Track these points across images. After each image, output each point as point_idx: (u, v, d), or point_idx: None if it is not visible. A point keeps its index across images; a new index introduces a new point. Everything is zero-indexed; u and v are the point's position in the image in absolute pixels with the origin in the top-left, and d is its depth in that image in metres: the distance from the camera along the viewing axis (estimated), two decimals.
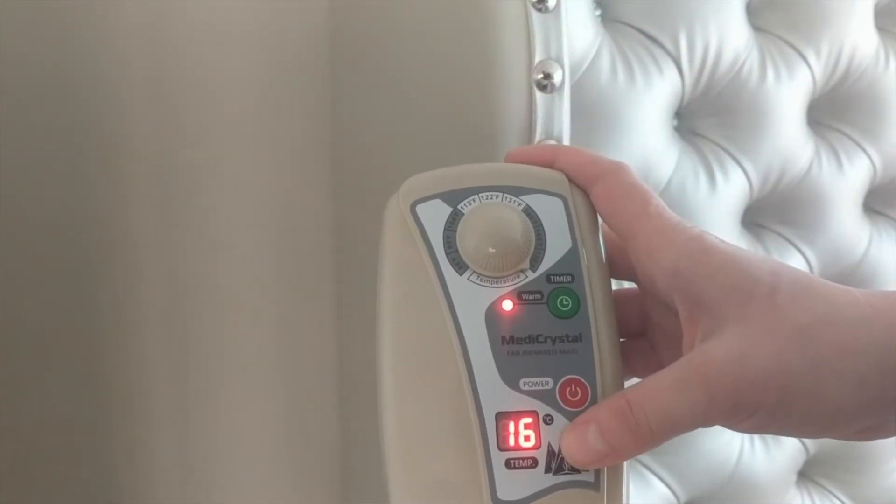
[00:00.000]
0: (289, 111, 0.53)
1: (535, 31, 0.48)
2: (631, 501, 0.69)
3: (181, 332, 0.55)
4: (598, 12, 0.62)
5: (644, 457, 0.71)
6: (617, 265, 0.37)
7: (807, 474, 0.80)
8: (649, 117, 0.62)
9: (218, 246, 0.54)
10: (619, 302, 0.37)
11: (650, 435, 0.31)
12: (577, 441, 0.32)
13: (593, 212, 0.36)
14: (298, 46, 0.53)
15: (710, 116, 0.67)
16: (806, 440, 0.77)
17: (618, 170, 0.36)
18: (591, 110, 0.60)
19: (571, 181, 0.37)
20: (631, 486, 0.70)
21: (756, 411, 0.31)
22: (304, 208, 0.55)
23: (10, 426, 0.53)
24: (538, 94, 0.48)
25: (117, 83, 0.52)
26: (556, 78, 0.48)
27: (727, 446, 0.73)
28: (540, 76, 0.48)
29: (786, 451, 0.76)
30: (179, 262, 0.54)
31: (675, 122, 0.67)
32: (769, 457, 0.75)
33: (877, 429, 0.32)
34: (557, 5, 0.48)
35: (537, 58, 0.48)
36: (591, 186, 0.36)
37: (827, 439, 0.77)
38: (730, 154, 0.67)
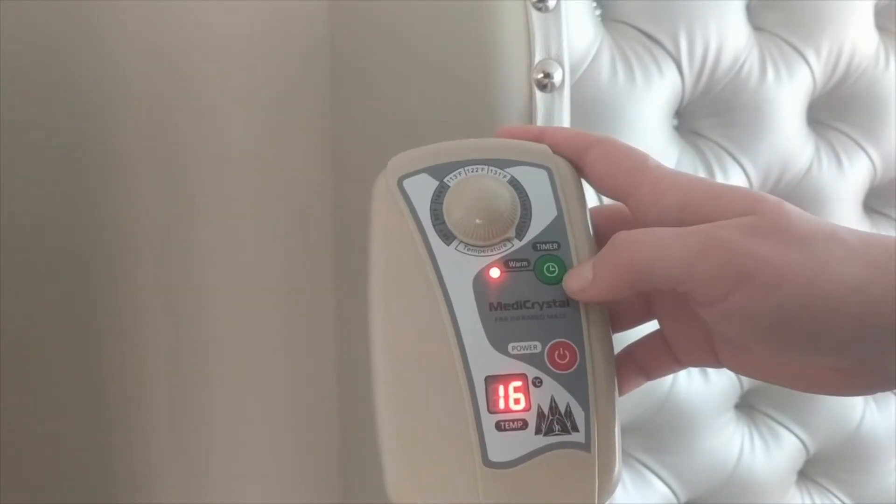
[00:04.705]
0: (289, 112, 0.53)
1: (535, 30, 0.48)
2: (631, 501, 0.69)
3: (180, 333, 0.55)
4: (598, 12, 0.62)
5: (644, 456, 0.71)
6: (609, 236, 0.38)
7: (807, 474, 0.80)
8: (649, 117, 0.62)
9: (217, 247, 0.54)
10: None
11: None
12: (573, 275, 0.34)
13: (578, 181, 0.37)
14: (298, 47, 0.53)
15: (710, 116, 0.67)
16: (807, 440, 0.77)
17: (610, 137, 0.37)
18: (591, 110, 0.60)
19: (556, 153, 0.37)
20: (631, 486, 0.70)
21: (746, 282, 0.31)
22: (304, 209, 0.55)
23: (10, 426, 0.53)
24: (538, 94, 0.48)
25: (115, 84, 0.52)
26: (556, 77, 0.48)
27: (727, 446, 0.73)
28: (540, 76, 0.48)
29: (786, 450, 0.76)
30: (178, 262, 0.54)
31: (676, 122, 0.67)
32: (769, 457, 0.75)
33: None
34: (557, 5, 0.48)
35: (537, 57, 0.48)
36: (584, 153, 0.37)
37: (829, 438, 0.77)
38: (730, 153, 0.67)
